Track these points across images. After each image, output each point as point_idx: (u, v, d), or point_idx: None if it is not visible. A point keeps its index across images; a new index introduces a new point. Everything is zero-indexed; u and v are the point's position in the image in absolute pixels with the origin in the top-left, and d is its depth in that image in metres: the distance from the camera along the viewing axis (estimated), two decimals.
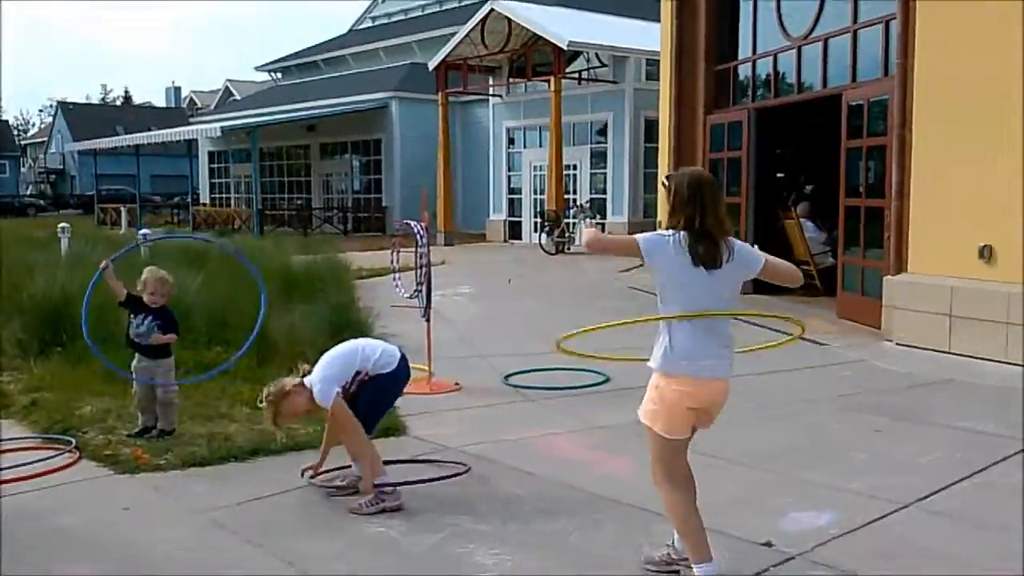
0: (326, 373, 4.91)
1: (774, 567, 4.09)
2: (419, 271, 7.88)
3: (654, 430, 3.76)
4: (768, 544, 4.32)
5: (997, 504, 4.90)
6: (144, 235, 15.35)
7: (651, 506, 4.54)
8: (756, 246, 3.95)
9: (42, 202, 57.96)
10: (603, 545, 4.36)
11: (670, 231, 3.73)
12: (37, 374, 7.87)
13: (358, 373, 4.96)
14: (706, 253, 3.65)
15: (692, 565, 3.70)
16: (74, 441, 5.99)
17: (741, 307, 3.91)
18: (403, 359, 5.12)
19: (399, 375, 5.04)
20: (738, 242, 3.80)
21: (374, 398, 4.97)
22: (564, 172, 22.67)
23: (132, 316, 6.23)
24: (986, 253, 8.55)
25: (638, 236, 3.78)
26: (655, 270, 3.76)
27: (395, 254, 8.63)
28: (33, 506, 4.94)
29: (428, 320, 7.95)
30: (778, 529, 4.51)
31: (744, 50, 13.83)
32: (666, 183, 3.82)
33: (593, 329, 4.19)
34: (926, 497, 4.97)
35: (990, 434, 6.19)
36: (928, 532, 4.53)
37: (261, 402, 5.06)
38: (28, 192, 68.02)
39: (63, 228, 17.74)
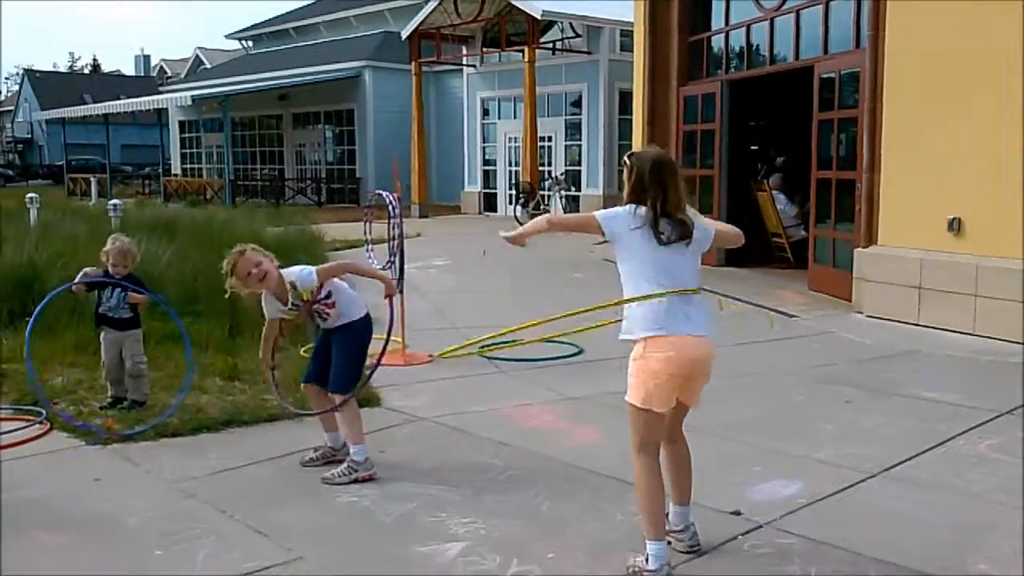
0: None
1: (743, 535, 4.14)
2: (392, 242, 7.86)
3: (635, 404, 3.73)
4: (737, 513, 4.38)
5: (962, 472, 4.98)
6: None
7: (622, 475, 4.59)
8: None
9: (10, 172, 57.07)
10: (574, 513, 4.40)
11: (629, 206, 3.73)
12: (6, 346, 7.79)
13: (329, 294, 4.85)
14: (673, 233, 3.68)
15: (646, 541, 3.70)
16: (45, 412, 5.96)
17: (704, 281, 3.92)
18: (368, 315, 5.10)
19: (368, 323, 5.01)
20: (695, 216, 3.82)
21: (351, 344, 4.92)
22: (539, 144, 22.61)
23: (99, 293, 6.18)
24: (955, 225, 8.64)
25: (596, 213, 3.79)
26: (617, 245, 3.77)
27: (368, 225, 8.59)
28: (4, 477, 4.91)
29: (401, 291, 7.93)
30: (747, 498, 4.57)
31: (717, 21, 13.81)
32: (627, 162, 3.82)
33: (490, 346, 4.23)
34: (893, 466, 5.05)
35: (956, 404, 6.28)
36: (895, 500, 4.61)
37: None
38: None
39: (32, 199, 17.50)
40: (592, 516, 4.36)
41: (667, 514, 3.93)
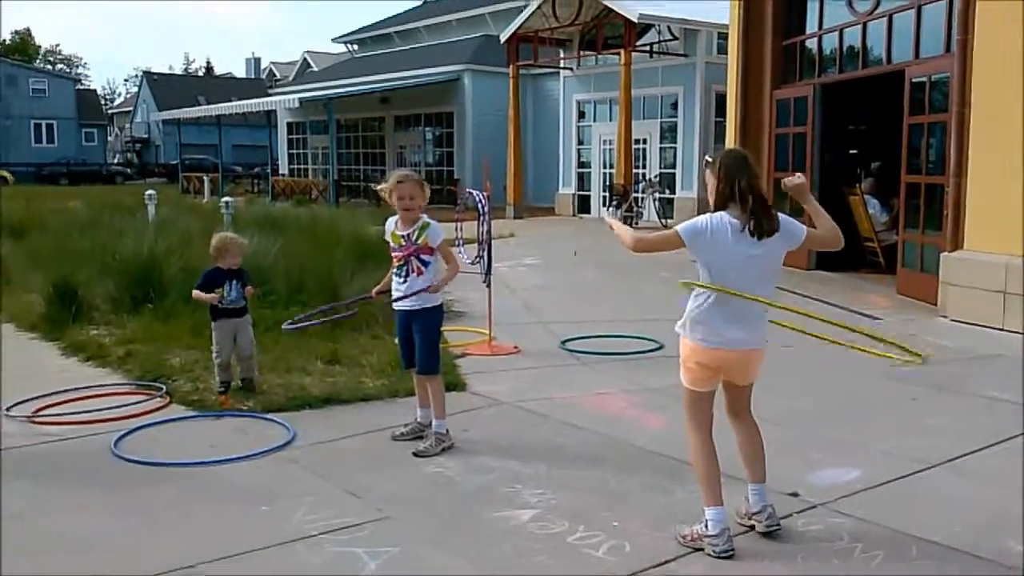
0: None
1: (797, 513, 4.44)
2: (480, 240, 8.30)
3: (683, 383, 4.14)
4: (794, 494, 4.66)
5: (1018, 467, 5.14)
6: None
7: (685, 457, 4.90)
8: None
9: (128, 170, 60.01)
10: (638, 488, 4.77)
11: (710, 214, 4.00)
12: (129, 328, 8.52)
13: (429, 262, 5.35)
14: (758, 224, 3.89)
15: (704, 508, 4.03)
16: (165, 387, 6.59)
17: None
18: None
19: (441, 311, 5.55)
20: (781, 215, 4.03)
21: (428, 329, 5.43)
22: (634, 146, 22.84)
23: (221, 289, 6.51)
24: None
25: (678, 227, 4.02)
26: (698, 254, 4.00)
27: (459, 225, 9.06)
28: (127, 442, 5.51)
29: (489, 285, 8.37)
30: (806, 482, 4.84)
31: (811, 25, 13.90)
32: (708, 161, 4.13)
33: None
34: (951, 459, 5.25)
35: None
36: (948, 489, 4.83)
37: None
38: (115, 160, 70.26)
39: (150, 195, 18.64)
40: (655, 492, 4.70)
41: (746, 496, 4.24)
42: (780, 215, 4.02)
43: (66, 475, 5.02)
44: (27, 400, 6.30)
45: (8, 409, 6.10)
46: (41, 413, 6.10)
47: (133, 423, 5.84)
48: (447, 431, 5.37)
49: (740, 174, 3.94)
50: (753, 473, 4.25)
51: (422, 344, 5.41)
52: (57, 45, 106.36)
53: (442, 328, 5.66)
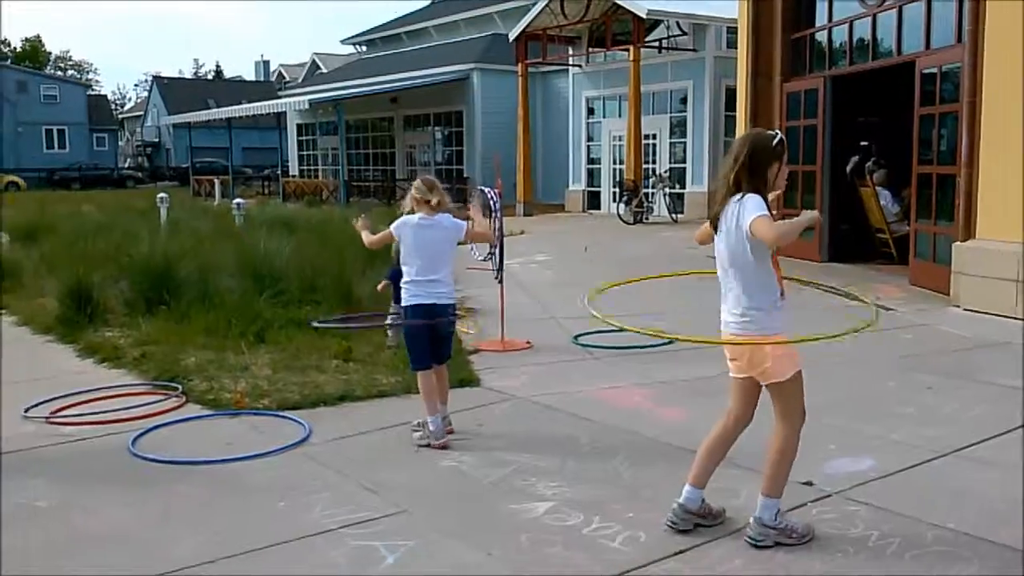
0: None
1: (812, 502, 4.45)
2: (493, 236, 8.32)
3: None
4: (808, 483, 4.67)
5: None
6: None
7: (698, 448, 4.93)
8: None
9: (140, 174, 60.21)
10: (651, 479, 4.79)
11: None
12: (144, 330, 8.57)
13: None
14: (712, 215, 4.10)
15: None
16: (180, 387, 6.64)
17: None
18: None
19: (412, 313, 5.52)
20: (738, 202, 3.90)
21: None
22: (643, 141, 22.82)
23: None
24: None
25: None
26: None
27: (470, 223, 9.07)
28: (144, 441, 5.55)
29: (501, 282, 8.40)
30: (820, 472, 4.85)
31: (820, 17, 13.87)
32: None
33: (613, 285, 4.58)
34: (964, 447, 5.25)
35: None
36: (962, 477, 4.83)
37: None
38: (126, 164, 70.53)
39: (162, 198, 18.76)
40: (668, 483, 4.68)
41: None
42: (736, 202, 3.90)
43: (84, 474, 5.06)
44: (44, 401, 6.35)
45: (26, 411, 6.16)
46: (59, 414, 6.15)
47: (150, 422, 5.89)
48: (436, 428, 5.38)
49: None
50: (763, 481, 4.12)
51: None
52: (67, 51, 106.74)
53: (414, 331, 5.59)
